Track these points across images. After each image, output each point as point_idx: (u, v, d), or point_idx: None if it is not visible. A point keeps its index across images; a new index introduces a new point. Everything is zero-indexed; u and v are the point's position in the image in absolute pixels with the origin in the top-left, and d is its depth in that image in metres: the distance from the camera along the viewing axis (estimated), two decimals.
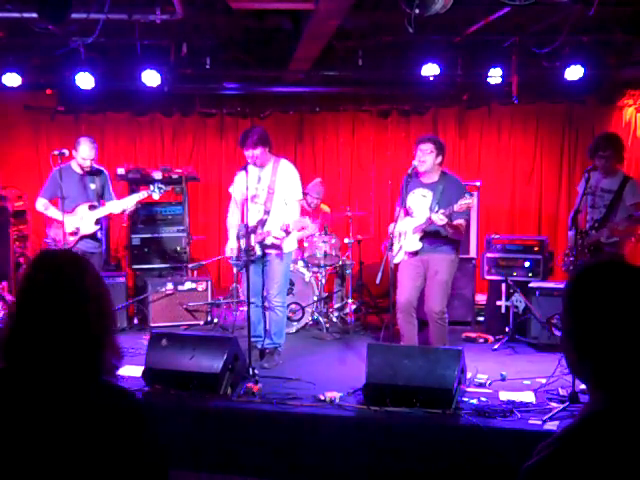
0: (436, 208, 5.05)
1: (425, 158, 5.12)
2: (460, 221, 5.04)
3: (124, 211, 5.87)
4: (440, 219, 4.89)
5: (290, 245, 5.42)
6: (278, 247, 5.27)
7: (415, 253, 5.21)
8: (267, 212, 5.29)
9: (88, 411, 1.52)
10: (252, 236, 5.22)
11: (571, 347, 1.45)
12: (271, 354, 5.39)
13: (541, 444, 1.38)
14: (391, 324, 5.34)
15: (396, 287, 5.30)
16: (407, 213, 5.32)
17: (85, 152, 5.60)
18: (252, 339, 4.96)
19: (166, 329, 6.32)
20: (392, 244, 5.24)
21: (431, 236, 5.14)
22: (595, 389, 1.44)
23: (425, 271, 5.22)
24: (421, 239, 5.17)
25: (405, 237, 5.25)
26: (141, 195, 5.88)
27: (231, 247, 5.43)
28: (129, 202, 5.79)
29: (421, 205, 5.22)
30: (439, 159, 5.17)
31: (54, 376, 1.55)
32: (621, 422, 1.35)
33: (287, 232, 5.10)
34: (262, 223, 5.27)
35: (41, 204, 5.67)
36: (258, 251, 5.23)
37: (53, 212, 5.62)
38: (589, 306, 1.41)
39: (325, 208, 7.60)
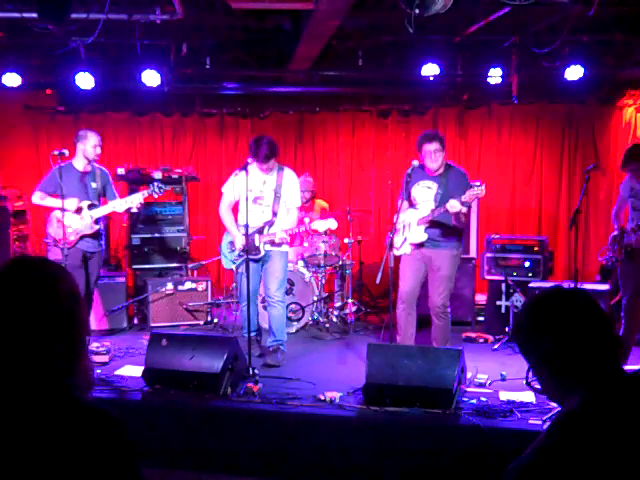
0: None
1: (438, 158, 5.16)
2: (463, 210, 5.07)
3: (129, 209, 5.84)
4: (454, 206, 4.88)
5: (287, 245, 5.65)
6: (280, 245, 5.45)
7: (420, 245, 5.23)
8: (275, 214, 5.44)
9: (56, 433, 1.36)
10: (256, 236, 5.35)
11: (552, 368, 1.61)
12: (274, 352, 5.41)
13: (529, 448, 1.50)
14: (391, 324, 5.34)
15: (397, 285, 5.33)
16: (411, 205, 5.36)
17: (94, 139, 5.65)
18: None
19: (166, 329, 6.33)
20: (392, 240, 5.24)
21: (436, 227, 5.17)
22: (571, 394, 1.56)
23: (427, 266, 5.26)
24: (426, 230, 5.20)
25: (409, 229, 5.28)
26: (144, 194, 5.84)
27: (242, 243, 5.31)
28: (133, 200, 5.75)
29: (426, 196, 5.25)
30: (444, 153, 5.25)
31: (16, 394, 1.38)
32: (596, 418, 1.44)
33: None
34: (270, 224, 5.41)
35: (37, 197, 5.62)
36: (262, 251, 5.37)
37: (50, 201, 5.55)
38: (555, 328, 1.58)
39: (323, 204, 7.59)
